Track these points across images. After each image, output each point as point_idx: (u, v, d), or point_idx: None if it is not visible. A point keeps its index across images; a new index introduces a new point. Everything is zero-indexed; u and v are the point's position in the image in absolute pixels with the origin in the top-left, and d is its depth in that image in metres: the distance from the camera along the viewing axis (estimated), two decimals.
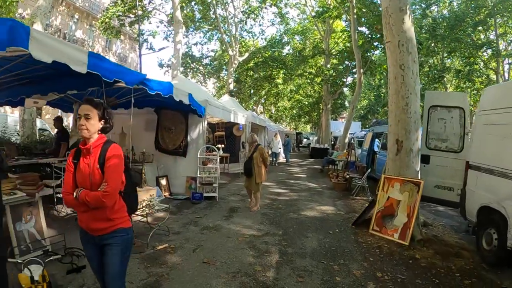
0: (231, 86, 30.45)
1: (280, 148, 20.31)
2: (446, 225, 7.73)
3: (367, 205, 7.89)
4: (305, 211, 8.33)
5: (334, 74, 26.53)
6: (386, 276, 4.68)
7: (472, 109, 20.66)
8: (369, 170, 10.95)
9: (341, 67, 27.58)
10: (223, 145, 14.45)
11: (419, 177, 6.59)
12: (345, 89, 36.86)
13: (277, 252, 5.44)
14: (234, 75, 29.72)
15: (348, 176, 11.44)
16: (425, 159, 7.25)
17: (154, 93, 6.18)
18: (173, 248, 5.45)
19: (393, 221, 6.36)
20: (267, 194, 10.37)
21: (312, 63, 27.76)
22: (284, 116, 51.55)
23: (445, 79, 31.17)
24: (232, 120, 12.61)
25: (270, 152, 20.29)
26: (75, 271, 4.26)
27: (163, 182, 9.59)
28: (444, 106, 7.48)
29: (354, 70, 27.08)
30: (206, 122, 9.64)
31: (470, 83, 30.54)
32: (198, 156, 9.17)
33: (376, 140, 14.51)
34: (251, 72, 29.66)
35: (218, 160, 9.49)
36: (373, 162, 14.26)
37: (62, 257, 4.50)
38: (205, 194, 9.17)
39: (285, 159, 20.97)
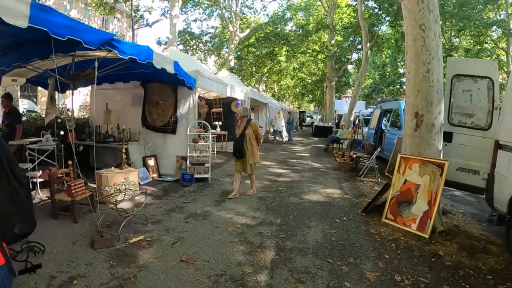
0: (232, 63, 29.23)
1: (283, 126, 19.22)
2: (466, 213, 6.72)
3: (378, 189, 6.96)
4: (308, 195, 7.36)
5: (338, 50, 25.21)
6: (407, 280, 3.72)
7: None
8: (378, 149, 9.90)
9: (345, 44, 26.24)
10: (220, 122, 13.47)
11: (441, 158, 5.57)
12: (349, 66, 35.79)
13: (273, 247, 4.47)
14: (235, 52, 28.46)
15: (354, 155, 10.41)
16: (447, 137, 6.17)
17: (127, 58, 5.12)
18: (148, 242, 4.54)
19: (410, 208, 5.38)
20: (266, 174, 9.41)
21: (315, 39, 26.35)
22: (287, 94, 50.22)
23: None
24: (229, 95, 11.57)
25: (272, 130, 19.24)
26: (29, 271, 3.28)
27: (151, 162, 8.64)
28: (469, 76, 6.33)
29: (359, 47, 25.87)
30: (196, 95, 8.60)
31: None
32: (188, 133, 8.18)
33: (384, 118, 13.45)
34: (253, 48, 28.30)
35: (211, 137, 8.47)
36: (381, 141, 13.23)
37: (17, 253, 3.68)
38: (196, 176, 8.22)
39: (287, 138, 19.86)
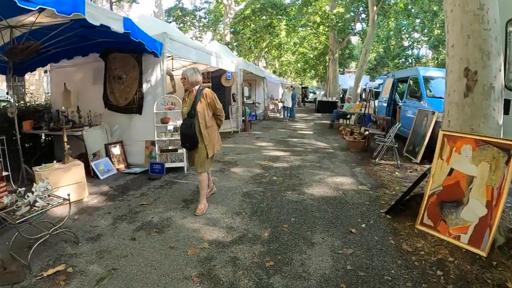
0: (228, 38, 27.10)
1: (293, 101, 17.15)
2: None
3: (399, 175, 5.15)
4: (311, 187, 5.49)
5: (341, 21, 22.92)
6: None
7: None
8: (398, 125, 7.94)
9: (348, 15, 23.99)
10: None
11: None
12: (353, 39, 33.52)
13: None
14: (230, 26, 26.27)
15: (366, 132, 8.50)
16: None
17: (36, 9, 3.28)
18: (67, 275, 2.87)
19: (459, 212, 3.54)
20: (258, 159, 7.55)
21: (316, 9, 23.98)
22: (288, 71, 47.87)
23: None
24: (214, 65, 9.66)
25: (280, 106, 17.26)
26: None
27: (116, 150, 6.83)
28: None
29: (363, 16, 23.62)
30: (165, 64, 6.66)
31: None
32: (154, 111, 6.32)
33: (398, 88, 11.48)
34: (249, 22, 26.03)
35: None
36: (395, 115, 11.30)
37: None
38: (168, 165, 6.40)
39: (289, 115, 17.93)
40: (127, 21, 5.02)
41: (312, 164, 7.16)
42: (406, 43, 41.31)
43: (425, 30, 34.72)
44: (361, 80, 15.79)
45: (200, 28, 31.98)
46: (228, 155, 7.93)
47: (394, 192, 5.25)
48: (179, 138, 4.65)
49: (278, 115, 19.06)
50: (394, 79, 11.48)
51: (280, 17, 25.43)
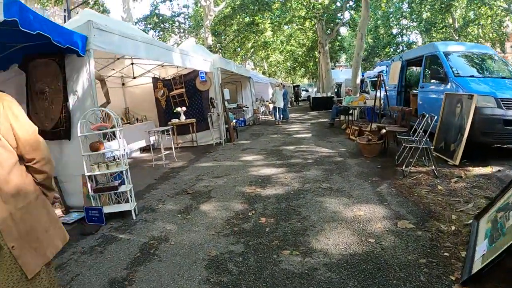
0: (210, 41, 25.03)
1: (285, 100, 14.92)
2: None
3: (441, 189, 3.11)
4: (322, 236, 3.35)
5: (326, 12, 20.95)
6: None
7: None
8: (435, 118, 5.73)
9: (334, 6, 22.07)
10: (184, 108, 9.56)
11: None
12: (342, 30, 31.81)
13: None
14: (210, 28, 24.19)
15: (384, 131, 6.39)
16: None
17: None
18: None
19: None
20: (242, 184, 5.41)
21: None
22: (278, 71, 45.88)
23: (452, 8, 26.94)
24: (179, 64, 7.62)
25: (271, 107, 15.07)
26: None
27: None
28: None
29: (351, 3, 21.65)
30: (92, 65, 4.55)
31: (486, 8, 25.74)
32: (79, 134, 4.21)
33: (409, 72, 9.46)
34: (230, 21, 23.95)
35: (119, 134, 4.44)
36: (407, 104, 9.25)
37: None
38: (108, 209, 4.30)
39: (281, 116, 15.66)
40: (10, 5, 3.02)
41: (317, 184, 5.03)
42: (395, 31, 39.76)
43: (413, 16, 33.00)
44: (359, 68, 13.71)
45: (181, 34, 29.98)
46: (201, 181, 5.81)
47: (454, 228, 3.21)
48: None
49: (270, 118, 16.89)
50: (402, 61, 9.43)
51: (262, 13, 23.40)
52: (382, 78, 7.86)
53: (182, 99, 10.02)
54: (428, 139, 5.21)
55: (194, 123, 9.68)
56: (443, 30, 30.56)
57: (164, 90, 10.38)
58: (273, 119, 14.63)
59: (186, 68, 8.95)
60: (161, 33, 27.30)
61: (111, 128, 4.34)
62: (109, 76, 8.86)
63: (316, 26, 23.60)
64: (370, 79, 15.67)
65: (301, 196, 4.51)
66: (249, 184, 5.31)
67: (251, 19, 23.91)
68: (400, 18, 37.46)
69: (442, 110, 6.36)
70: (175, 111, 9.76)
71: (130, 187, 4.40)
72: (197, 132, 9.95)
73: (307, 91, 40.74)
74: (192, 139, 10.03)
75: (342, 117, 11.67)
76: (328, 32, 22.72)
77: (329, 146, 8.14)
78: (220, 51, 25.38)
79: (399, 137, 5.79)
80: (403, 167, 5.35)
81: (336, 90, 23.50)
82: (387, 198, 4.22)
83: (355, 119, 11.28)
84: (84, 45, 4.40)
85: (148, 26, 25.95)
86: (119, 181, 4.52)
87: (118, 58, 7.78)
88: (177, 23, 28.63)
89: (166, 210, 4.49)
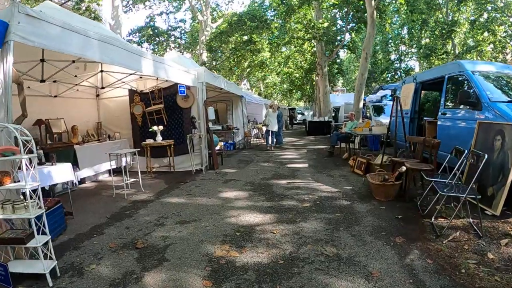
0: (204, 58, 23.85)
1: (279, 123, 13.31)
2: None
3: None
4: None
5: (326, 33, 19.87)
6: None
7: None
8: (485, 157, 4.19)
9: (334, 28, 21.14)
10: (161, 127, 8.15)
11: None
12: (341, 54, 30.77)
13: None
14: (205, 44, 23.01)
15: (405, 168, 4.88)
16: None
17: None
18: None
19: None
20: (212, 239, 3.84)
21: (300, 16, 20.84)
22: (274, 92, 44.73)
23: (453, 34, 26.52)
24: (150, 73, 6.21)
25: (264, 130, 13.54)
26: None
27: None
28: None
29: (351, 25, 20.56)
30: (10, 62, 3.08)
31: (489, 34, 25.23)
32: None
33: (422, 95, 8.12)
34: (227, 37, 22.74)
35: (26, 164, 2.89)
36: (421, 132, 7.87)
37: None
38: (15, 267, 2.74)
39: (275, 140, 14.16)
40: None
41: (319, 248, 3.48)
42: (393, 56, 39.37)
43: (413, 42, 32.61)
44: (363, 91, 12.35)
45: (177, 50, 28.79)
46: (161, 227, 4.26)
47: None
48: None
49: (263, 141, 15.29)
50: (416, 83, 8.07)
51: (260, 31, 22.27)
52: (398, 101, 6.41)
53: (160, 116, 8.59)
54: (474, 186, 3.75)
55: (172, 145, 8.20)
56: (443, 56, 29.88)
57: (141, 105, 8.95)
58: (265, 143, 13.11)
59: (167, 81, 7.55)
60: (155, 46, 26.13)
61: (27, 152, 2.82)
62: (76, 84, 7.42)
63: (315, 47, 22.50)
64: (373, 104, 14.33)
65: (295, 272, 2.96)
66: (222, 241, 3.76)
67: (249, 37, 22.75)
68: (399, 44, 37.03)
69: (474, 143, 4.93)
70: (150, 130, 8.32)
71: (45, 240, 2.88)
72: (175, 156, 8.45)
73: (302, 114, 39.53)
74: (169, 163, 8.51)
75: (342, 145, 10.22)
76: (327, 54, 21.55)
77: (330, 182, 6.63)
78: (215, 68, 24.16)
79: (428, 179, 4.30)
80: (432, 219, 3.88)
81: (334, 114, 22.24)
82: (424, 279, 2.72)
83: (357, 147, 9.84)
84: (3, 34, 2.97)
85: (142, 38, 24.76)
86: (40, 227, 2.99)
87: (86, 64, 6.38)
88: (173, 38, 27.56)
89: (97, 277, 2.96)
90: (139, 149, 7.22)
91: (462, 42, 29.99)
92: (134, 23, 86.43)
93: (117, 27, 14.56)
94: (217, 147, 9.82)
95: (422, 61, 34.43)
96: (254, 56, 26.54)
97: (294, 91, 39.29)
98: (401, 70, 37.91)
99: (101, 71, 7.45)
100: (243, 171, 8.17)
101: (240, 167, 8.74)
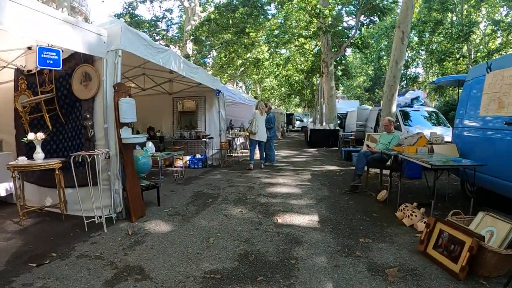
0: (189, 50, 19.75)
1: (270, 131, 8.95)
2: None
3: None
4: None
5: (334, 24, 15.90)
6: None
7: None
8: None
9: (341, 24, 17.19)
10: (42, 135, 4.07)
11: None
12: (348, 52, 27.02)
13: None
14: (191, 34, 18.93)
15: None
16: None
17: None
18: None
19: None
20: None
21: (303, 4, 16.77)
22: (272, 97, 40.60)
23: (471, 36, 23.59)
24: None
25: (253, 138, 8.96)
26: None
27: None
28: None
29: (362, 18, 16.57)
30: None
31: None
32: None
33: None
34: (215, 26, 18.62)
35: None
36: None
37: None
38: None
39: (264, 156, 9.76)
40: None
41: None
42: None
43: (422, 45, 28.97)
44: (397, 87, 8.04)
45: (162, 43, 24.61)
46: None
47: None
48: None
49: (246, 154, 10.59)
50: None
51: (255, 19, 18.22)
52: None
53: (54, 114, 4.48)
54: None
55: (59, 168, 4.08)
56: (459, 61, 26.20)
57: (28, 94, 4.88)
58: (249, 160, 8.81)
59: (62, 51, 3.47)
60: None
61: None
62: None
63: (319, 42, 18.45)
64: (400, 108, 10.19)
65: None
66: None
67: (241, 27, 18.61)
68: (406, 49, 33.21)
69: None
70: (24, 140, 4.23)
71: None
72: (67, 188, 4.34)
73: (301, 121, 35.37)
74: (61, 199, 4.35)
75: (376, 171, 6.04)
76: (335, 47, 17.46)
77: (378, 280, 2.46)
78: (199, 61, 20.05)
79: None
80: None
81: (339, 122, 18.11)
82: None
83: (395, 171, 5.66)
84: None
85: None
86: None
87: None
88: (160, 30, 23.47)
89: None
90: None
91: (479, 46, 26.33)
92: (111, 9, 78.68)
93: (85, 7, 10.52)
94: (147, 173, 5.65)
95: (431, 67, 30.78)
96: (248, 52, 22.48)
97: (292, 95, 35.30)
98: (407, 77, 34.06)
99: None
100: (184, 231, 3.86)
101: (185, 216, 4.41)
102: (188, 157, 8.67)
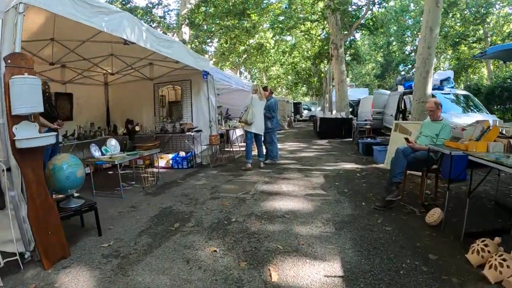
0: (186, 36, 17.98)
1: (272, 120, 7.23)
2: None
3: None
4: None
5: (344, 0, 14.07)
6: None
7: None
8: None
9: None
10: None
11: None
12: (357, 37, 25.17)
13: None
14: (185, 17, 17.19)
15: None
16: None
17: None
18: None
19: None
20: None
21: None
22: (278, 86, 38.71)
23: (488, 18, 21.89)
24: None
25: (248, 130, 7.12)
26: None
27: None
28: None
29: None
30: None
31: None
32: None
33: None
34: (211, 7, 16.85)
35: None
36: None
37: None
38: None
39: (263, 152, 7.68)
40: None
41: None
42: (409, 47, 33.49)
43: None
44: (433, 62, 6.14)
45: (161, 30, 22.84)
46: None
47: None
48: None
49: (243, 149, 8.48)
50: None
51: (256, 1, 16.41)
52: None
53: None
54: None
55: None
56: (475, 44, 24.32)
57: None
58: (247, 155, 7.04)
59: None
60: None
61: None
62: None
63: (328, 23, 16.57)
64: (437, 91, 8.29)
65: None
66: None
67: (241, 8, 16.77)
68: (417, 34, 31.21)
69: None
70: None
71: None
72: None
73: (309, 109, 33.38)
74: None
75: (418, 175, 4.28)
76: (345, 28, 15.57)
77: None
78: (196, 46, 18.33)
79: None
80: None
81: (350, 110, 16.22)
82: None
83: (439, 170, 3.92)
84: None
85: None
86: None
87: None
88: (155, 15, 21.76)
89: None
90: None
91: (493, 30, 24.25)
92: None
93: None
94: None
95: (444, 51, 28.70)
96: (250, 37, 20.68)
97: (299, 84, 33.47)
98: (414, 63, 32.07)
99: None
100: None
101: (117, 269, 2.60)
102: (170, 156, 6.99)
